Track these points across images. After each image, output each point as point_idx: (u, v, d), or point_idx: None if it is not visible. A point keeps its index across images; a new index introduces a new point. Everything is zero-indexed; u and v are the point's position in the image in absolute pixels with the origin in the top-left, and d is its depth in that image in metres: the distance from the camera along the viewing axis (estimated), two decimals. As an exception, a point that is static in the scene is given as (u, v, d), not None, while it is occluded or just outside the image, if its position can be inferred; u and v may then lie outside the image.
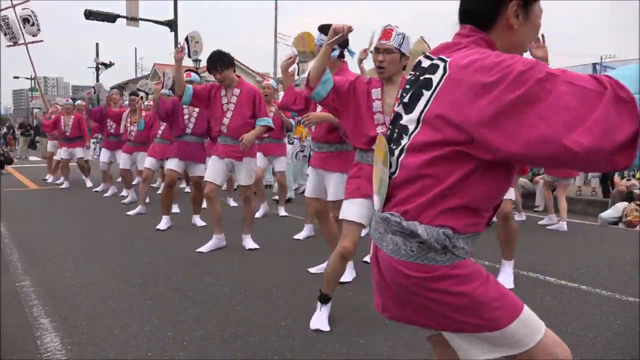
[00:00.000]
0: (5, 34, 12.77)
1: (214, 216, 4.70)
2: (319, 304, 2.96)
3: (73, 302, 3.29)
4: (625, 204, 6.85)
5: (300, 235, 5.23)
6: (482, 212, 1.31)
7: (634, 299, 3.42)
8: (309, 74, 2.85)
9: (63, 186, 9.55)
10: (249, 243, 4.75)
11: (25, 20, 12.72)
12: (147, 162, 6.45)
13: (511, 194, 3.76)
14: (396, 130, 1.37)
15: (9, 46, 13.11)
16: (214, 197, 4.61)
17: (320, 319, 2.91)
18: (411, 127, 1.31)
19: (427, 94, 1.28)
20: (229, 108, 4.51)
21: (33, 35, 13.05)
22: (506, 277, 3.65)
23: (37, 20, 13.00)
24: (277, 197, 6.92)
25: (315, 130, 3.67)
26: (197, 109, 5.51)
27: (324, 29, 3.63)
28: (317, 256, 4.12)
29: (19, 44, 13.02)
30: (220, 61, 4.39)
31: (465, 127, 1.18)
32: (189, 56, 5.18)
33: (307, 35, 4.36)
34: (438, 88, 1.25)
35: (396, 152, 1.34)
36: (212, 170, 4.57)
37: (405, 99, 1.35)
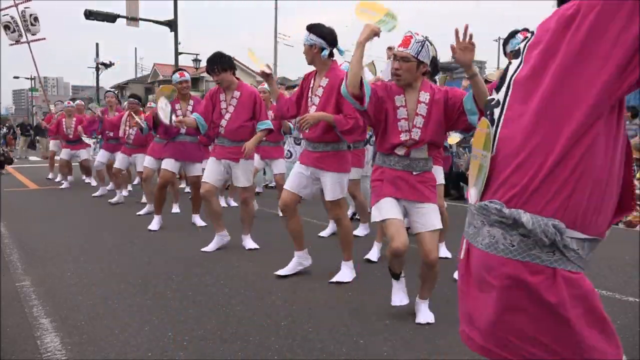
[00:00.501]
0: (14, 31, 12.92)
1: (214, 215, 4.69)
2: (392, 280, 3.05)
3: (73, 302, 3.29)
4: (625, 204, 6.84)
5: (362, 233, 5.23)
6: (606, 200, 1.05)
7: (634, 299, 3.42)
8: (347, 79, 2.78)
9: (63, 186, 9.56)
10: (249, 243, 4.76)
11: (36, 19, 12.89)
12: (146, 160, 6.41)
13: None
14: (488, 113, 1.23)
15: (12, 44, 13.24)
16: (210, 197, 4.59)
17: (397, 295, 3.03)
18: (501, 96, 1.18)
19: (516, 61, 1.20)
20: (228, 110, 4.49)
21: (33, 34, 13.16)
22: None
23: (38, 19, 13.14)
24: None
25: (311, 130, 3.62)
26: (189, 109, 5.55)
27: (312, 28, 3.59)
28: (317, 256, 4.11)
29: (22, 42, 13.13)
30: (219, 63, 4.38)
31: (562, 69, 1.05)
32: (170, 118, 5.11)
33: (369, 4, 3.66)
34: (525, 50, 1.19)
35: (492, 129, 1.17)
36: (209, 170, 4.57)
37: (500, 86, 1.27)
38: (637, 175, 7.52)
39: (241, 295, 3.43)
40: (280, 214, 6.40)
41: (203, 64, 27.63)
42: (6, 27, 13.04)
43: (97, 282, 3.72)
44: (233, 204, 7.17)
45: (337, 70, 3.65)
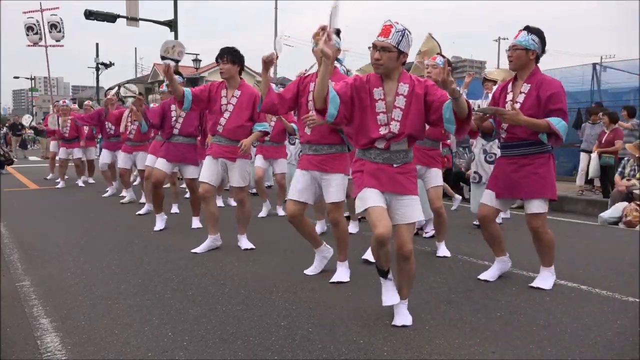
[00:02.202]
0: (37, 33, 13.53)
1: (210, 216, 4.66)
2: (381, 279, 2.91)
3: (73, 302, 3.29)
4: (625, 204, 6.84)
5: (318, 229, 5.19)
6: None
7: (634, 299, 3.42)
8: (313, 98, 2.79)
9: (58, 186, 9.61)
10: (245, 243, 4.75)
11: (53, 26, 13.48)
12: (148, 159, 6.45)
13: (538, 207, 3.53)
14: None
15: (29, 46, 13.76)
16: (209, 198, 4.57)
17: (387, 295, 2.87)
18: None
19: None
20: (228, 109, 4.49)
21: (57, 40, 13.75)
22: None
23: (63, 27, 13.68)
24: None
25: (313, 132, 3.60)
26: None
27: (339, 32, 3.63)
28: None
29: (39, 45, 13.68)
30: (228, 54, 4.40)
31: None
32: (177, 62, 5.07)
33: None
34: None
35: None
36: (207, 170, 4.54)
37: None
38: (638, 176, 7.52)
39: (241, 295, 3.42)
40: (280, 214, 6.51)
41: (203, 64, 27.48)
42: (29, 29, 13.61)
43: (97, 282, 3.72)
44: (233, 204, 7.16)
45: (339, 74, 3.71)
